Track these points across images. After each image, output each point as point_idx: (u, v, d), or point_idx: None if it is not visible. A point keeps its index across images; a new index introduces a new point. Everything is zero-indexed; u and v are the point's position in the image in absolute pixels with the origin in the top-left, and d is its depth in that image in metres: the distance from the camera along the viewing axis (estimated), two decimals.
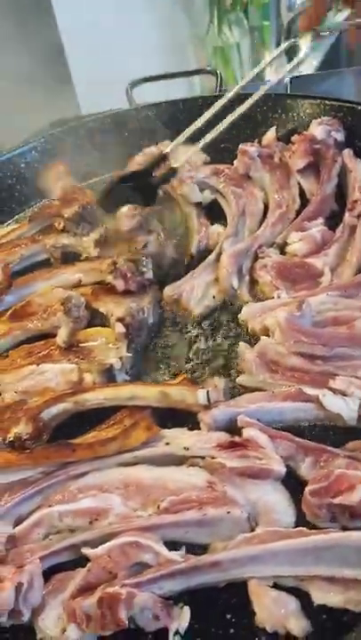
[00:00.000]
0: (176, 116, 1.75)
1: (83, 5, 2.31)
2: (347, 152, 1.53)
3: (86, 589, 0.85)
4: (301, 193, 1.56)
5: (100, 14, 2.55)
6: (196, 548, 0.92)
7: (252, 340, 1.23)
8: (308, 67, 3.01)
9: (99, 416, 1.12)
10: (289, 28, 3.20)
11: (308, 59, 3.10)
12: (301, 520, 0.92)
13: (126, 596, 0.79)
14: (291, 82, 1.86)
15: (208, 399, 1.07)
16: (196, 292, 1.34)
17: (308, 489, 0.91)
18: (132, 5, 2.89)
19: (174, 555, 0.88)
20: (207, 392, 1.07)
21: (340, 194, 1.54)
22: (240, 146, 1.59)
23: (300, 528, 0.89)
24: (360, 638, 0.78)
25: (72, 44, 2.33)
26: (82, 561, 0.90)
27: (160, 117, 1.76)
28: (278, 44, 3.27)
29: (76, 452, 1.03)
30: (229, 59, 3.09)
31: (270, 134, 1.60)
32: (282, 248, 1.43)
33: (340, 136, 1.54)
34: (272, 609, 0.82)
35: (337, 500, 0.88)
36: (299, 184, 1.56)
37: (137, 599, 0.80)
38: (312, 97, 1.62)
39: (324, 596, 0.82)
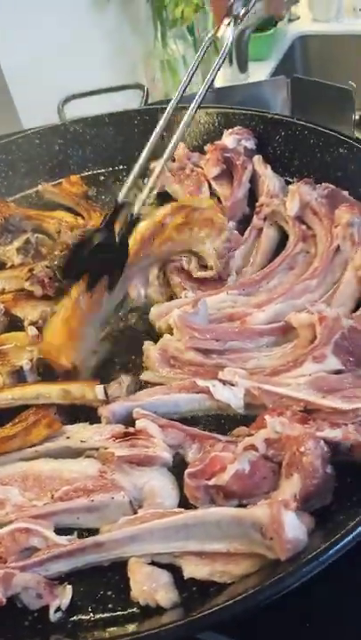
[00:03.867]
0: (103, 130, 1.83)
1: (22, 20, 2.37)
2: (256, 159, 1.60)
3: None
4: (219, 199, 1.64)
5: (44, 30, 2.63)
6: (88, 533, 0.98)
7: (160, 338, 1.30)
8: (262, 73, 3.10)
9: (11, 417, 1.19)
10: (240, 37, 3.30)
11: (263, 65, 3.19)
12: (185, 503, 0.98)
13: (3, 576, 0.85)
14: (215, 93, 1.94)
15: (106, 394, 1.14)
16: None
17: (186, 472, 0.97)
18: (78, 20, 2.97)
19: (61, 539, 0.94)
20: (104, 387, 1.14)
21: (255, 199, 1.61)
22: (151, 165, 1.60)
23: (178, 509, 0.96)
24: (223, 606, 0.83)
25: (10, 61, 2.40)
26: None
27: (88, 131, 1.83)
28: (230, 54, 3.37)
29: None
30: (177, 71, 3.20)
31: (180, 151, 1.65)
32: None
33: (250, 144, 1.62)
34: (144, 583, 0.87)
35: (211, 482, 0.95)
36: (214, 191, 1.63)
37: (16, 579, 0.86)
38: (225, 107, 1.70)
39: (193, 569, 0.88)
